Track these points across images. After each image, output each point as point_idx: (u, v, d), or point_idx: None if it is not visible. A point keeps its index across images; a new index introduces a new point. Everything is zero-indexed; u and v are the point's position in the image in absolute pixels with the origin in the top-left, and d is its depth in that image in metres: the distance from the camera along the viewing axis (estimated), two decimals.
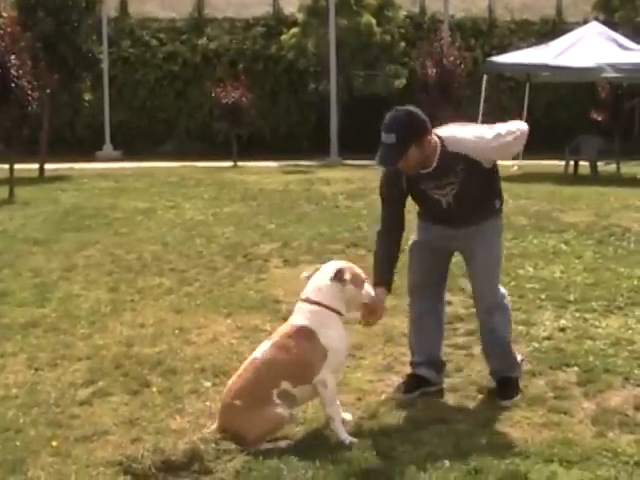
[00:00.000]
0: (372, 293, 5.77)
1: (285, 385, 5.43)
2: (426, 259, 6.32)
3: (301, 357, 5.47)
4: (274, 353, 5.51)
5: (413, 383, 6.31)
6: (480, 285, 6.25)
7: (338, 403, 5.61)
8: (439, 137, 5.93)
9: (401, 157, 5.79)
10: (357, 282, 5.66)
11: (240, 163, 26.57)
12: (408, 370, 6.55)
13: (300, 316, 5.63)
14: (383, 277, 6.03)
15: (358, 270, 5.71)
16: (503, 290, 6.36)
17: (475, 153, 5.94)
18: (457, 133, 5.97)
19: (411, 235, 6.44)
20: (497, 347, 6.29)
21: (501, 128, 6.01)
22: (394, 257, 6.13)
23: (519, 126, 6.09)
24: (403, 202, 6.18)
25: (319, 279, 5.64)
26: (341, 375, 5.88)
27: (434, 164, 5.92)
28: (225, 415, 5.46)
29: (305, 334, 5.54)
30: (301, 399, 5.58)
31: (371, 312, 5.91)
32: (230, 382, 5.61)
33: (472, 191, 6.00)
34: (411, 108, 5.86)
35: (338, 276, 5.58)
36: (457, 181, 5.97)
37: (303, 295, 5.67)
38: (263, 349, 5.60)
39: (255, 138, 32.33)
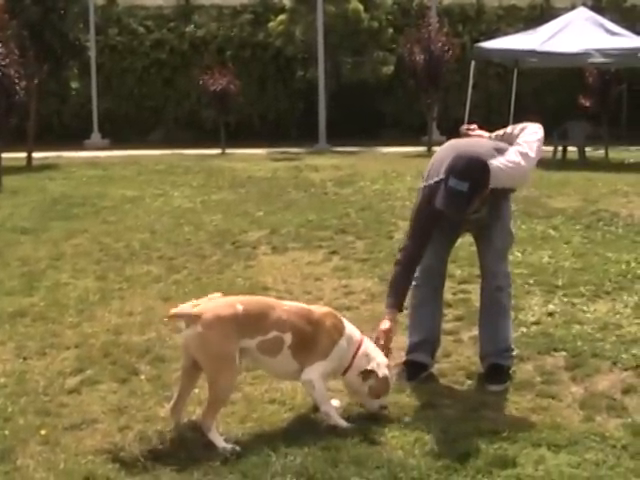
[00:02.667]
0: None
1: (286, 339, 5.47)
2: (435, 243, 6.26)
3: (314, 334, 5.53)
4: (296, 312, 5.60)
5: (413, 369, 6.31)
6: (493, 264, 6.29)
7: (329, 399, 5.63)
8: None
9: (469, 206, 5.75)
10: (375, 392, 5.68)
11: (228, 150, 26.54)
12: (400, 355, 6.57)
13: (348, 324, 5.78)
14: (400, 304, 6.10)
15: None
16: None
17: (512, 184, 6.08)
18: (492, 168, 5.79)
19: None
20: (499, 329, 6.29)
21: (525, 143, 5.99)
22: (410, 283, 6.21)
23: (537, 132, 6.13)
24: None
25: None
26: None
27: None
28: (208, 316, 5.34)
29: (336, 322, 5.67)
30: (266, 363, 5.63)
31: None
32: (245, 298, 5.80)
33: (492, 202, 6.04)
34: (484, 158, 5.75)
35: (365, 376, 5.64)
36: (484, 207, 6.00)
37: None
38: (291, 303, 5.92)
39: (243, 125, 32.31)
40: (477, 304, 7.04)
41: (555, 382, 6.20)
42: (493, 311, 6.32)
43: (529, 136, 6.07)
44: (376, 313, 7.65)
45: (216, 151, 26.47)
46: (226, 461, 5.03)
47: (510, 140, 6.13)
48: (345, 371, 5.65)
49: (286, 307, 5.64)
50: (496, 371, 6.24)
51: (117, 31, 34.97)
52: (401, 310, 6.15)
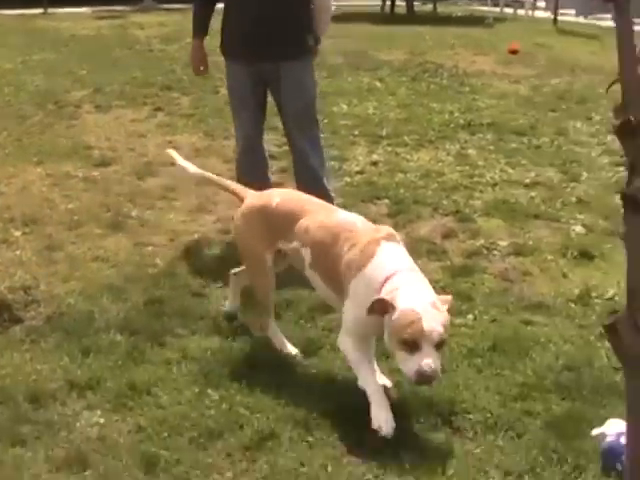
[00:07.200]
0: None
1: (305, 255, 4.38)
2: (245, 100, 6.23)
3: (338, 255, 4.14)
4: (323, 225, 4.31)
5: None
6: (297, 123, 6.22)
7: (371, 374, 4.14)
8: None
9: None
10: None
11: (50, 10, 25.55)
12: (222, 210, 6.58)
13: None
14: (202, 29, 6.41)
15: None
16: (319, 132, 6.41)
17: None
18: None
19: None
20: (313, 184, 6.30)
21: None
22: (210, 15, 6.41)
23: None
24: None
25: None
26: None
27: None
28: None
29: (371, 249, 4.04)
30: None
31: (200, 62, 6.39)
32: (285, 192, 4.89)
33: None
34: None
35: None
36: None
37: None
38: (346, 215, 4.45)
39: None
40: None
41: None
42: (303, 172, 6.30)
43: None
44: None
45: (38, 11, 25.46)
46: (48, 320, 4.97)
47: None
48: None
49: (322, 217, 4.36)
50: None
51: None
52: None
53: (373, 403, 3.90)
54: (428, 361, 3.68)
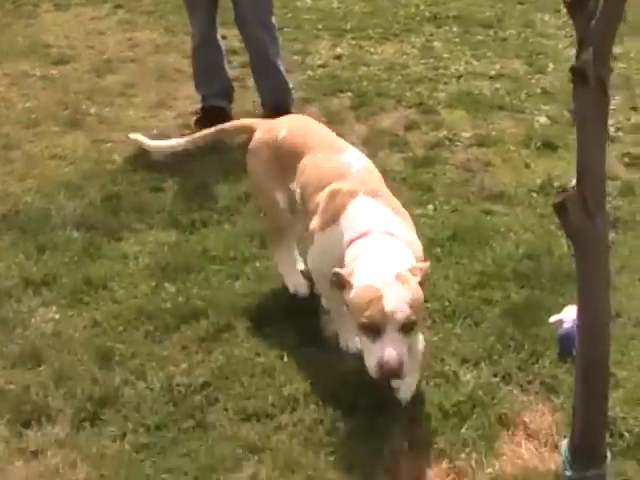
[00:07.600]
0: None
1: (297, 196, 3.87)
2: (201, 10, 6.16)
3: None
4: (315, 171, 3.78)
5: (210, 116, 6.20)
6: (253, 13, 6.10)
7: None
8: None
9: None
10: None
11: None
12: (182, 105, 6.53)
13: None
14: None
15: None
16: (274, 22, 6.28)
17: None
18: None
19: None
20: (272, 75, 6.22)
21: None
22: None
23: None
24: None
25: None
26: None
27: None
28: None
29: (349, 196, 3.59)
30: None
31: None
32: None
33: None
34: None
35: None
36: None
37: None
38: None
39: None
40: None
41: (340, 122, 6.17)
42: (259, 62, 6.23)
43: None
44: (161, 64, 7.51)
45: None
46: (4, 218, 4.92)
47: None
48: None
49: (320, 157, 3.84)
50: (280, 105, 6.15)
51: None
52: None
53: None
54: (391, 351, 3.10)
